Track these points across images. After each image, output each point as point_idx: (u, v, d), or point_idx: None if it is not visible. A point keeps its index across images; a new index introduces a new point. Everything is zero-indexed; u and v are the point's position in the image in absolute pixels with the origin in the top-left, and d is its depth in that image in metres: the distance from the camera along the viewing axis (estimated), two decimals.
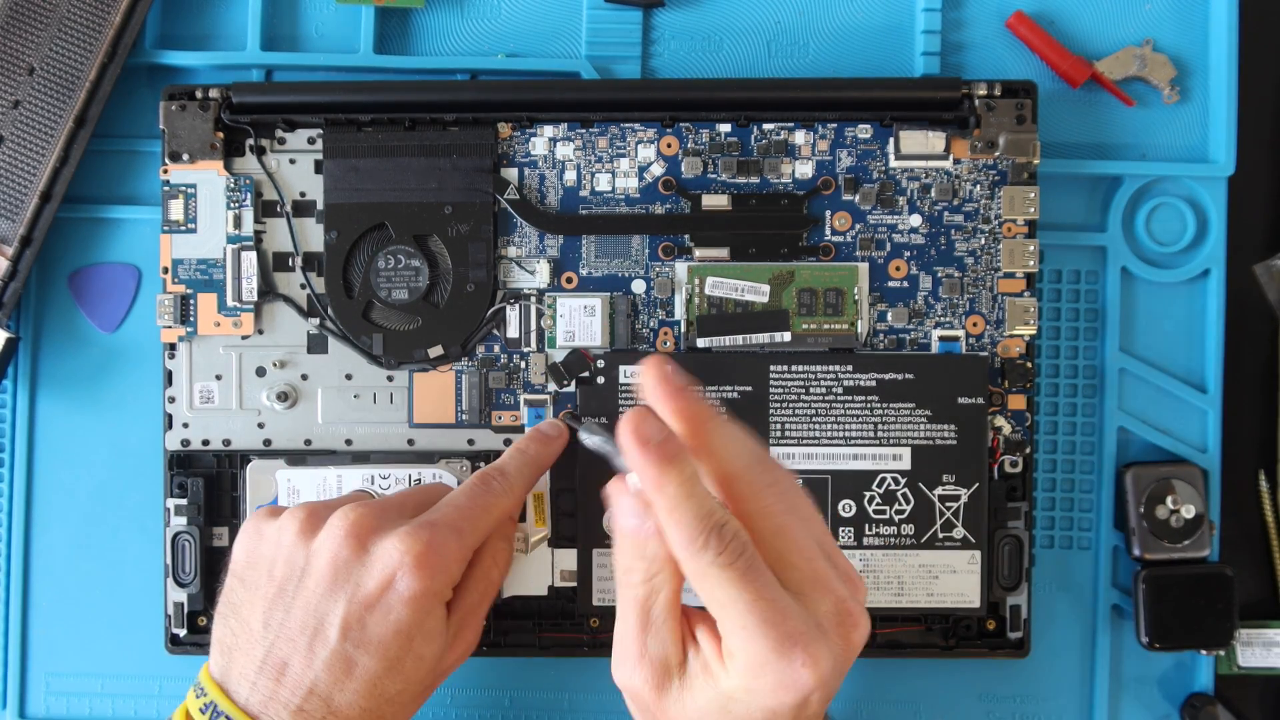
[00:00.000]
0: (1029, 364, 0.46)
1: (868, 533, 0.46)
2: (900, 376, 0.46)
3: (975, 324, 0.47)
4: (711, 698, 0.34)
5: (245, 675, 0.38)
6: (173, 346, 0.47)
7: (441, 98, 0.46)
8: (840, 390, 0.46)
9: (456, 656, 0.41)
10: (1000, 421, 0.46)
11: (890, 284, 0.47)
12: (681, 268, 0.47)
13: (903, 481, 0.46)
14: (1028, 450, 0.47)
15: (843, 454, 0.46)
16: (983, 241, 0.47)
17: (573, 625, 0.47)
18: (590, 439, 0.40)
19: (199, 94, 0.46)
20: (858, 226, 0.47)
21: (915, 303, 0.47)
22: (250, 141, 0.47)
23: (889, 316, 0.47)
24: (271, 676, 0.38)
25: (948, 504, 0.46)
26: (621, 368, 0.46)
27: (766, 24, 0.50)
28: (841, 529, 0.46)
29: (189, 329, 0.47)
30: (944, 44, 0.49)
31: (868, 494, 0.46)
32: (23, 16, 0.47)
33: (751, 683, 0.33)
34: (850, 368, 0.46)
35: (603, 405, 0.46)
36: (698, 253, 0.47)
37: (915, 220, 0.47)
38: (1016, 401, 0.47)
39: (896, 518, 0.46)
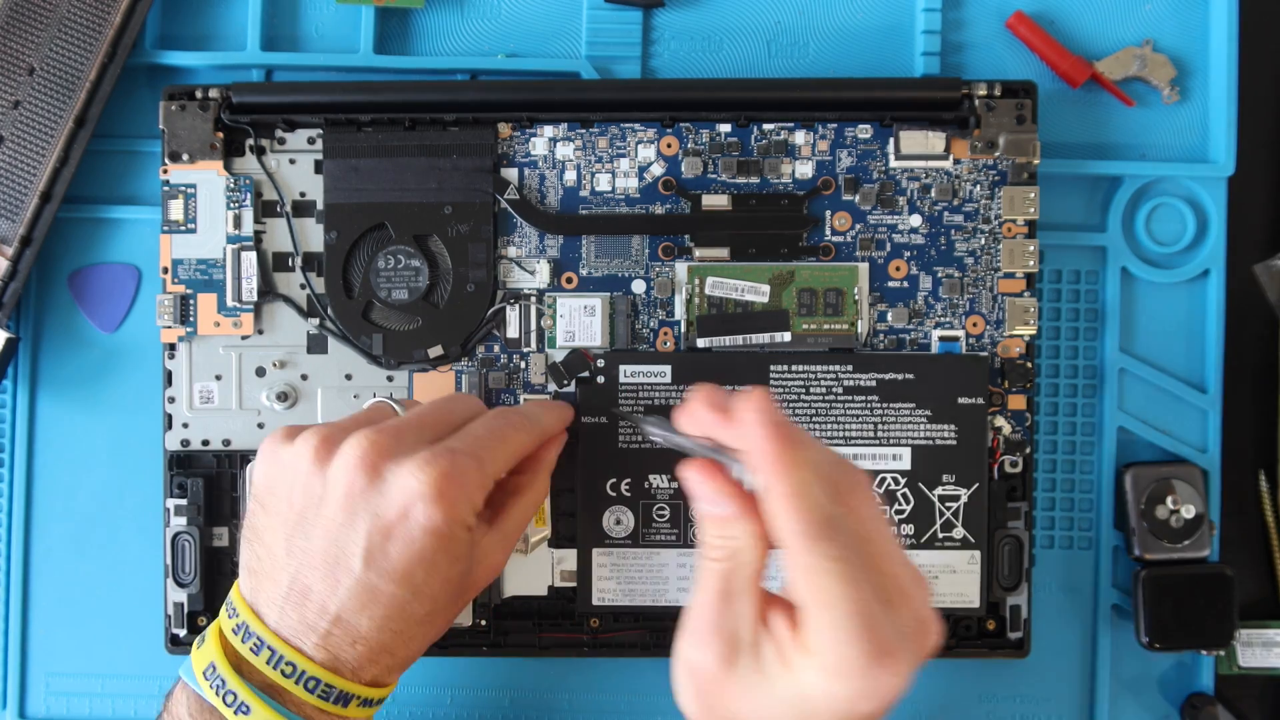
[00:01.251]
0: (1029, 364, 0.46)
1: None
2: (900, 376, 0.46)
3: (975, 324, 0.47)
4: (783, 689, 0.33)
5: (273, 600, 0.37)
6: (172, 347, 0.47)
7: (441, 98, 0.46)
8: (840, 390, 0.46)
9: (484, 577, 0.41)
10: (1000, 421, 0.46)
11: (890, 284, 0.47)
12: (681, 268, 0.47)
13: (903, 481, 0.46)
14: (1028, 450, 0.47)
15: (843, 454, 0.46)
16: (983, 241, 0.47)
17: (573, 625, 0.47)
18: (659, 432, 0.38)
19: (199, 94, 0.46)
20: (858, 226, 0.47)
21: (915, 303, 0.47)
22: (250, 141, 0.47)
23: (889, 316, 0.47)
24: (296, 603, 0.37)
25: (948, 504, 0.46)
26: (622, 367, 0.46)
27: (766, 24, 0.50)
28: None
29: (189, 329, 0.47)
30: (944, 44, 0.49)
31: None
32: (23, 16, 0.47)
33: (833, 685, 0.32)
34: (850, 368, 0.46)
35: (603, 405, 0.46)
36: (698, 253, 0.47)
37: (915, 220, 0.47)
38: (1016, 401, 0.46)
39: (896, 518, 0.46)
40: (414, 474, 0.37)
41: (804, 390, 0.46)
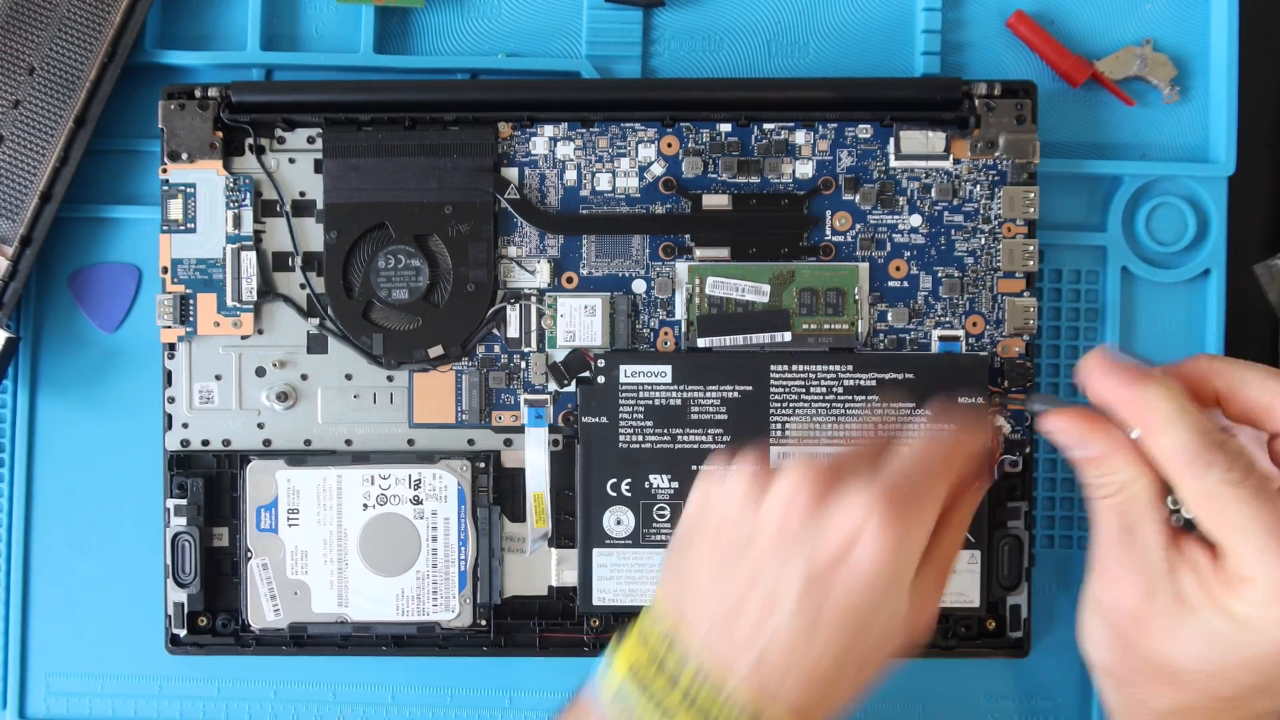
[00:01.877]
0: (1029, 364, 0.46)
1: None
2: (900, 376, 0.46)
3: (975, 324, 0.47)
4: (1210, 621, 0.32)
5: (696, 629, 0.35)
6: (172, 346, 0.47)
7: (441, 97, 0.46)
8: (840, 390, 0.46)
9: (914, 633, 0.36)
10: (1000, 421, 0.46)
11: (890, 284, 0.47)
12: (682, 267, 0.47)
13: None
14: (1028, 450, 0.47)
15: None
16: (983, 241, 0.47)
17: (573, 625, 0.47)
18: (1036, 406, 0.37)
19: (198, 93, 0.46)
20: (858, 226, 0.47)
21: (915, 303, 0.47)
22: (250, 141, 0.47)
23: (889, 316, 0.47)
24: (723, 638, 0.34)
25: None
26: (622, 367, 0.46)
27: (766, 24, 0.50)
28: None
29: (189, 329, 0.47)
30: (944, 44, 0.49)
31: None
32: (23, 16, 0.47)
33: (1268, 615, 0.31)
34: (850, 367, 0.46)
35: (603, 405, 0.46)
36: (698, 252, 0.47)
37: (915, 220, 0.47)
38: (1017, 401, 0.47)
39: None
40: (861, 499, 0.33)
41: (804, 390, 0.46)
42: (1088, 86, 0.49)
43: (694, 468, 0.46)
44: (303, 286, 0.47)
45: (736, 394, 0.46)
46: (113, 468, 0.50)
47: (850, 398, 0.46)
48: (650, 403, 0.46)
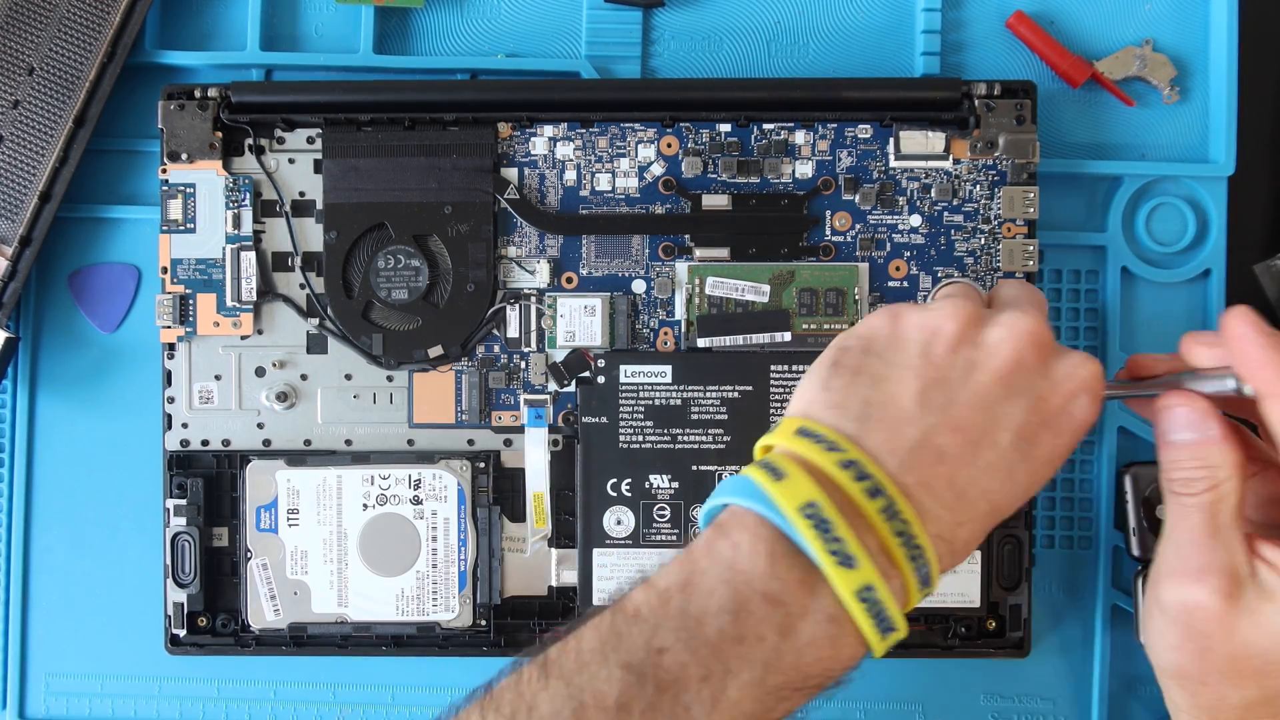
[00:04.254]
0: None
1: None
2: None
3: None
4: None
5: (894, 450, 0.33)
6: (172, 347, 0.47)
7: (441, 98, 0.46)
8: None
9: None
10: None
11: (890, 284, 0.47)
12: (682, 268, 0.47)
13: None
14: None
15: None
16: (983, 241, 0.47)
17: None
18: (1119, 392, 0.38)
19: (198, 93, 0.46)
20: (858, 226, 0.47)
21: (915, 303, 0.47)
22: (249, 141, 0.47)
23: None
24: (928, 463, 0.33)
25: None
26: (622, 367, 0.46)
27: (766, 24, 0.50)
28: None
29: (188, 329, 0.47)
30: (944, 44, 0.49)
31: None
32: (23, 16, 0.47)
33: None
34: None
35: (603, 405, 0.46)
36: (698, 253, 0.47)
37: (915, 220, 0.47)
38: None
39: None
40: (1085, 364, 0.34)
41: None
42: (1088, 87, 0.49)
43: (694, 468, 0.46)
44: (302, 286, 0.47)
45: (737, 394, 0.46)
46: (113, 468, 0.50)
47: None
48: (650, 403, 0.46)
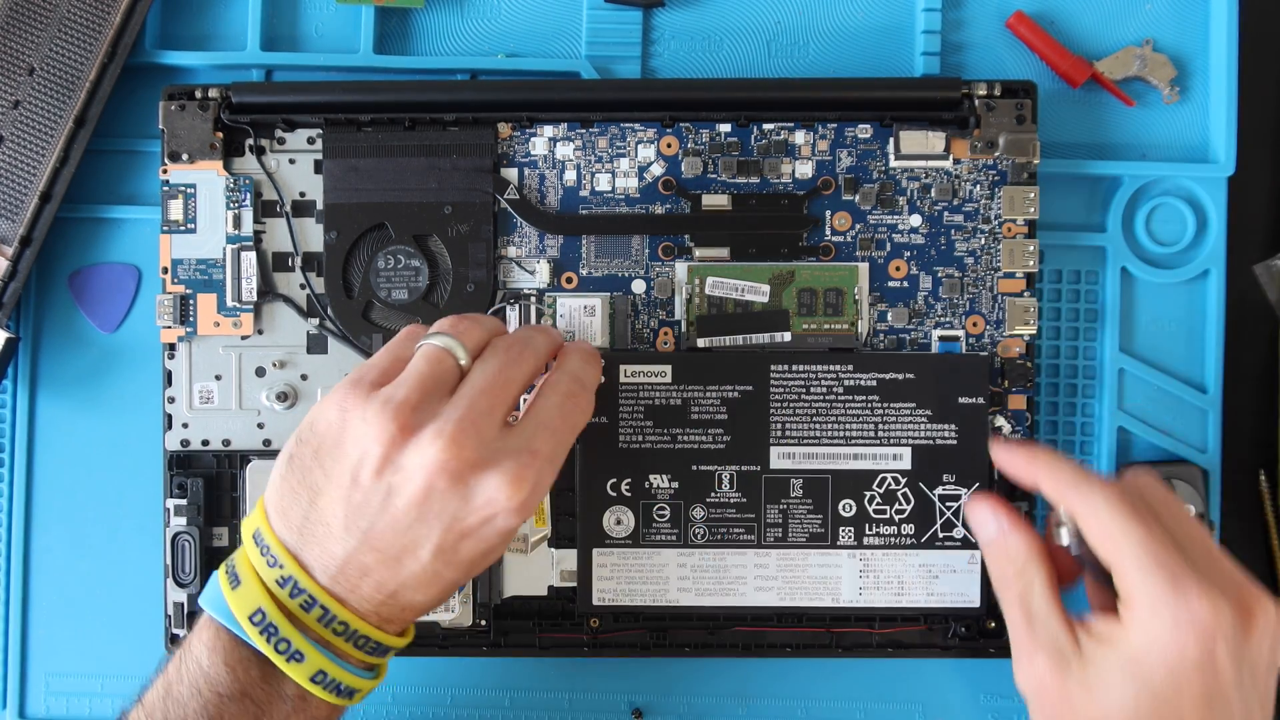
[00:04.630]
0: (1029, 364, 0.46)
1: (868, 532, 0.46)
2: (901, 376, 0.46)
3: (975, 324, 0.47)
4: (1114, 666, 0.35)
5: (325, 567, 0.37)
6: (172, 347, 0.47)
7: (441, 98, 0.46)
8: (841, 390, 0.46)
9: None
10: (1000, 421, 0.46)
11: (890, 284, 0.47)
12: (681, 268, 0.47)
13: (903, 481, 0.46)
14: None
15: (843, 454, 0.46)
16: (983, 241, 0.47)
17: (573, 625, 0.47)
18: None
19: (199, 94, 0.47)
20: (858, 226, 0.47)
21: (915, 303, 0.47)
22: (250, 141, 0.47)
23: (889, 316, 0.47)
24: (353, 577, 0.37)
25: (948, 504, 0.46)
26: (622, 367, 0.46)
27: (766, 24, 0.50)
28: (842, 529, 0.46)
29: (189, 329, 0.47)
30: (944, 44, 0.49)
31: (868, 494, 0.46)
32: (23, 16, 0.47)
33: (1151, 627, 0.34)
34: (851, 367, 0.46)
35: (602, 405, 0.46)
36: (698, 253, 0.47)
37: (915, 220, 0.47)
38: (1016, 401, 0.46)
39: (897, 517, 0.46)
40: (501, 489, 0.36)
41: (804, 390, 0.46)
42: (1088, 87, 0.49)
43: (694, 467, 0.46)
44: (303, 287, 0.47)
45: (737, 394, 0.46)
46: (113, 468, 0.50)
47: (850, 397, 0.46)
48: (650, 402, 0.46)
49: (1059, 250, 0.49)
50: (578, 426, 0.40)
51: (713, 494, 0.46)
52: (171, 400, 0.47)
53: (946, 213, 0.47)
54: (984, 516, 0.40)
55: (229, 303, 0.47)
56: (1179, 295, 0.49)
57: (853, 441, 0.46)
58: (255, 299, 0.47)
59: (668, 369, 0.46)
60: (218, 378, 0.47)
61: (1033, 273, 0.47)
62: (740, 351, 0.46)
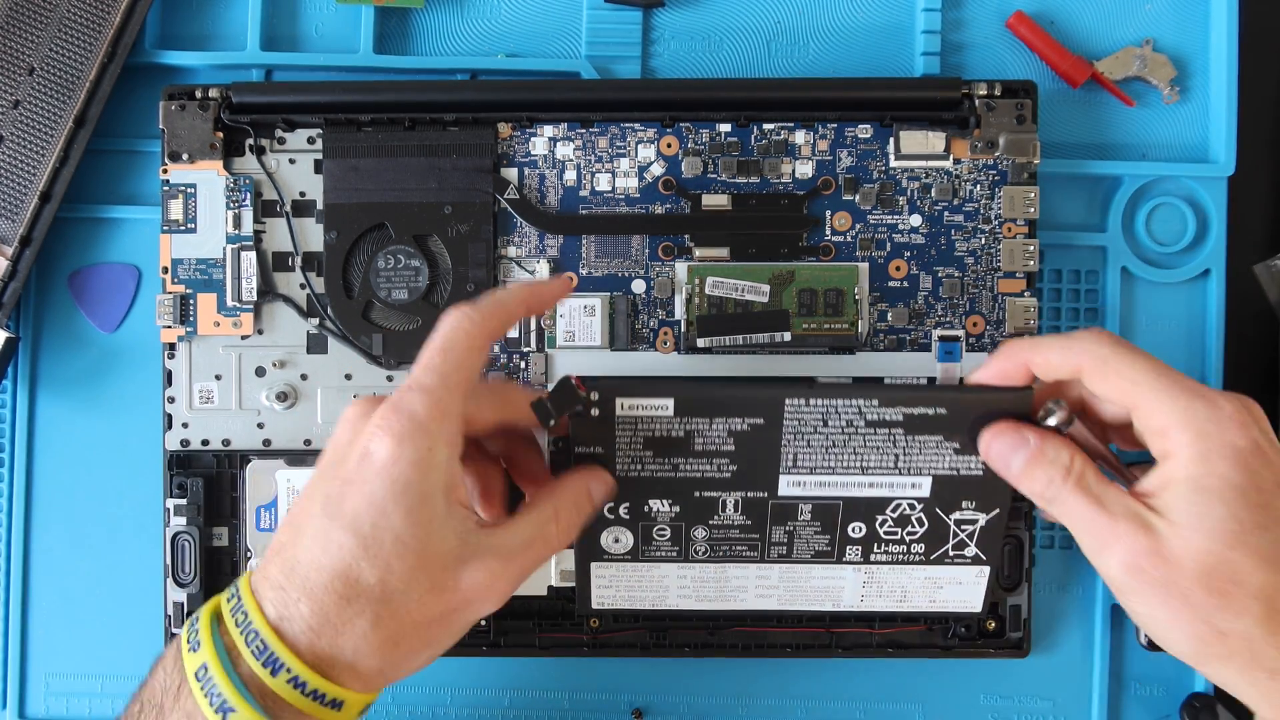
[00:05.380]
0: None
1: (876, 550, 0.42)
2: (931, 411, 0.39)
3: (975, 324, 0.47)
4: (1191, 497, 0.34)
5: (263, 574, 0.36)
6: (172, 346, 0.47)
7: (441, 98, 0.46)
8: (863, 424, 0.39)
9: (473, 594, 0.35)
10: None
11: (890, 284, 0.47)
12: (681, 268, 0.47)
13: (919, 507, 0.41)
14: None
15: (858, 482, 0.41)
16: (983, 241, 0.47)
17: (573, 625, 0.47)
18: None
19: (199, 94, 0.47)
20: (858, 226, 0.47)
21: (915, 303, 0.47)
22: (250, 141, 0.47)
23: (889, 316, 0.47)
24: (270, 557, 0.35)
25: (963, 527, 0.42)
26: (618, 400, 0.39)
27: (766, 24, 0.50)
28: (849, 547, 0.42)
29: (189, 329, 0.47)
30: (944, 44, 0.49)
31: (880, 517, 0.41)
32: (23, 16, 0.47)
33: (1202, 443, 0.34)
34: (876, 401, 0.39)
35: (596, 436, 0.40)
36: (698, 253, 0.47)
37: (915, 220, 0.47)
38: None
39: (908, 539, 0.42)
40: (374, 418, 0.35)
41: (821, 423, 0.39)
42: (1088, 87, 0.49)
43: (698, 494, 0.41)
44: (303, 286, 0.47)
45: (746, 426, 0.40)
46: (113, 468, 0.50)
47: (872, 431, 0.39)
48: (650, 434, 0.40)
49: (1059, 250, 0.49)
50: (452, 344, 0.37)
51: (715, 517, 0.42)
52: (171, 400, 0.47)
53: (947, 213, 0.47)
54: (1015, 438, 0.37)
55: (229, 303, 0.47)
56: (1179, 295, 0.49)
57: (869, 471, 0.40)
58: (255, 299, 0.47)
59: (669, 402, 0.39)
60: (218, 377, 0.47)
61: (1033, 273, 0.47)
62: (751, 381, 0.41)
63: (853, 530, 0.42)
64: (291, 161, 0.47)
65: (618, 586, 0.44)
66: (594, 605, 0.45)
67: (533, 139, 0.47)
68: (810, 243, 0.47)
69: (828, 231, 0.47)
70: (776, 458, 0.40)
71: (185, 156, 0.47)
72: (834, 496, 0.41)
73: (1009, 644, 0.47)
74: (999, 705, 0.49)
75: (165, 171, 0.47)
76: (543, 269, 0.47)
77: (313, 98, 0.46)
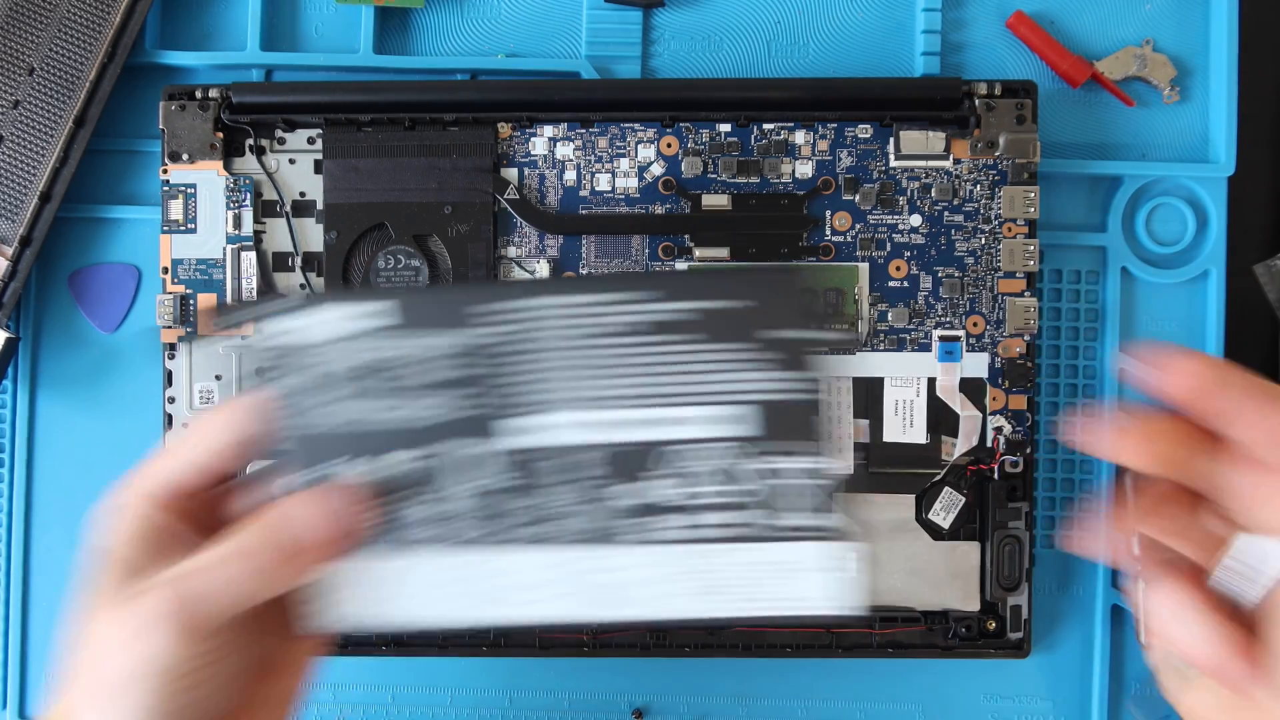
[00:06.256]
0: (1029, 364, 0.46)
1: (673, 521, 0.31)
2: (740, 305, 0.30)
3: (975, 324, 0.47)
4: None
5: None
6: (172, 347, 0.47)
7: (441, 98, 0.46)
8: (647, 328, 0.30)
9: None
10: (1000, 421, 0.46)
11: (890, 284, 0.47)
12: (682, 268, 0.47)
13: (737, 451, 0.31)
14: (1028, 450, 0.47)
15: (644, 419, 0.31)
16: (983, 241, 0.47)
17: (572, 625, 0.47)
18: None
19: (199, 94, 0.47)
20: (858, 226, 0.47)
21: (915, 303, 0.47)
22: (250, 141, 0.47)
23: (889, 316, 0.47)
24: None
25: (807, 478, 0.31)
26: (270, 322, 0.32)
27: (766, 24, 0.50)
28: (634, 520, 0.31)
29: (189, 329, 0.47)
30: (944, 44, 0.49)
31: (677, 470, 0.31)
32: (23, 16, 0.47)
33: None
34: (661, 294, 0.30)
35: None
36: (698, 253, 0.47)
37: (915, 220, 0.47)
38: (1017, 402, 0.46)
39: (723, 502, 0.31)
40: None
41: (589, 333, 0.30)
42: (1088, 87, 0.49)
43: (408, 452, 0.31)
44: (303, 286, 0.47)
45: (481, 343, 0.30)
46: (113, 468, 0.50)
47: (661, 339, 0.30)
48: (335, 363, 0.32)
49: (1059, 250, 0.49)
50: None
51: (447, 482, 0.31)
52: (171, 400, 0.47)
53: (947, 213, 0.47)
54: (1177, 617, 0.30)
55: (229, 302, 0.47)
56: (1179, 295, 0.49)
57: (657, 400, 0.30)
58: (255, 299, 0.47)
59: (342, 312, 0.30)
60: (218, 378, 0.47)
61: (1033, 273, 0.47)
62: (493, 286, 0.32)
63: (633, 493, 0.30)
64: (291, 161, 0.47)
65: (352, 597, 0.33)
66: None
67: (533, 139, 0.47)
68: (810, 243, 0.47)
69: (828, 231, 0.47)
70: (521, 389, 0.30)
71: (185, 157, 0.47)
72: (612, 442, 0.30)
73: (1009, 644, 0.47)
74: (999, 705, 0.49)
75: (165, 172, 0.47)
76: (543, 269, 0.47)
77: (313, 98, 0.46)
